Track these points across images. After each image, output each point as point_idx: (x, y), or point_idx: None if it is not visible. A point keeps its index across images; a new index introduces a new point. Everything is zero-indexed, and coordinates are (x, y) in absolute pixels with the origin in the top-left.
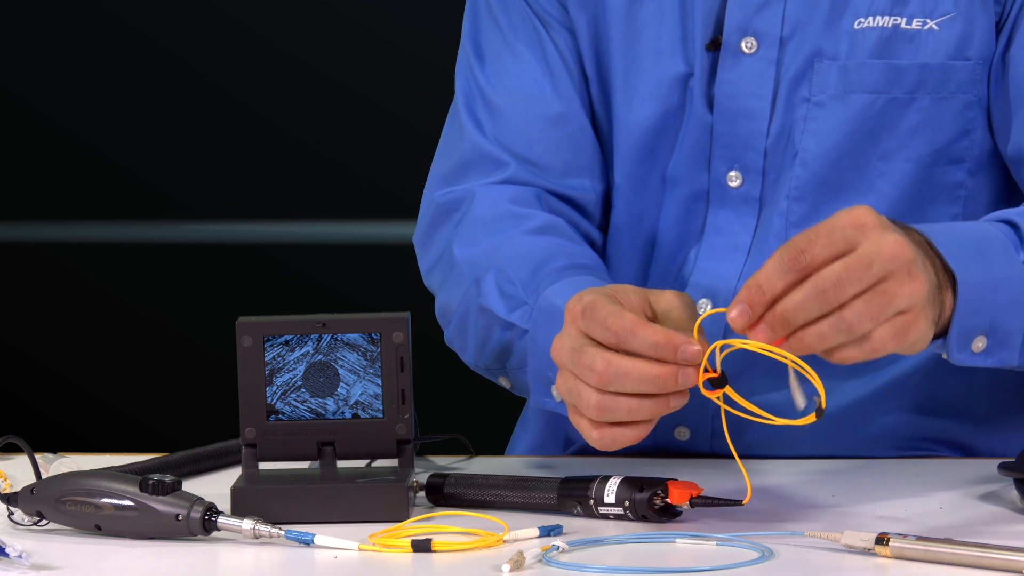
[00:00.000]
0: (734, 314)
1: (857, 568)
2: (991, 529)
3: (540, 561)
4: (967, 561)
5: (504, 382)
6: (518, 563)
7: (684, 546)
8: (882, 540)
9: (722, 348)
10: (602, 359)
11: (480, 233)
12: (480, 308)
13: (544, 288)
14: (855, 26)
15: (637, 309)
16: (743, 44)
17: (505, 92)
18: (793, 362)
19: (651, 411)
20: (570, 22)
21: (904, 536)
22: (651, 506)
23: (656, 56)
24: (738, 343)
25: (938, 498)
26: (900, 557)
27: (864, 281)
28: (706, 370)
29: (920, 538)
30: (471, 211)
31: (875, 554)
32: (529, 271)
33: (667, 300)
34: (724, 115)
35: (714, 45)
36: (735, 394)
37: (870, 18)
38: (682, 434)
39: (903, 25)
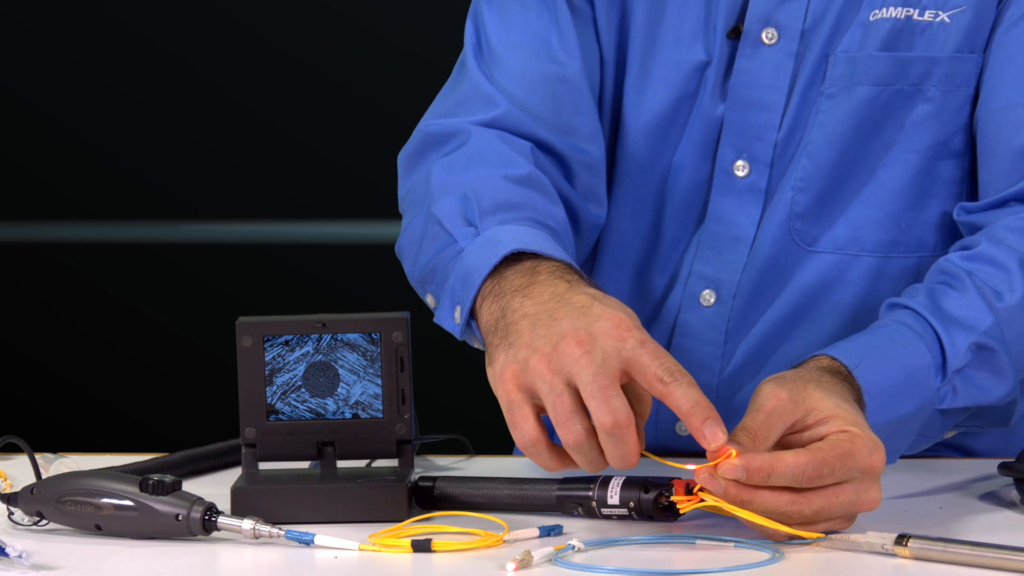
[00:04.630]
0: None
1: (873, 567)
2: (991, 529)
3: (550, 561)
4: (988, 563)
5: (429, 299)
6: (525, 562)
7: (696, 547)
8: (902, 540)
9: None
10: (624, 408)
11: (463, 165)
12: (431, 216)
13: (497, 225)
14: (870, 18)
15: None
16: (764, 34)
17: (512, 44)
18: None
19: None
20: None
21: (924, 537)
22: (657, 507)
23: (676, 42)
24: (709, 498)
25: (938, 498)
26: (920, 558)
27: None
28: (669, 493)
29: (940, 539)
30: (465, 146)
31: (886, 554)
32: (493, 206)
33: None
34: (738, 104)
35: (735, 33)
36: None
37: (884, 9)
38: (683, 429)
39: (916, 16)
